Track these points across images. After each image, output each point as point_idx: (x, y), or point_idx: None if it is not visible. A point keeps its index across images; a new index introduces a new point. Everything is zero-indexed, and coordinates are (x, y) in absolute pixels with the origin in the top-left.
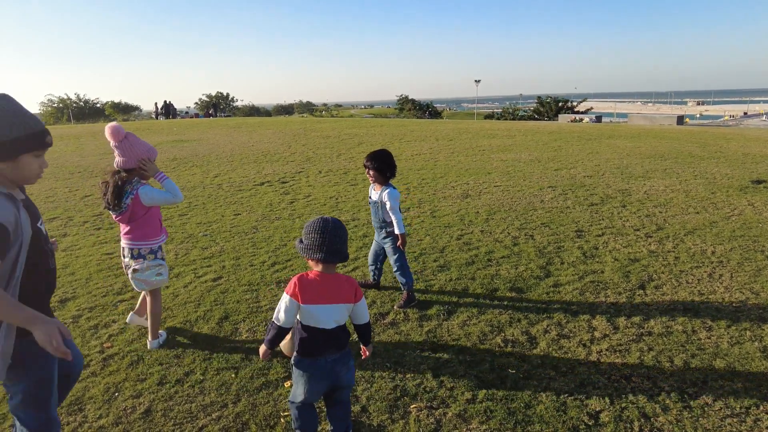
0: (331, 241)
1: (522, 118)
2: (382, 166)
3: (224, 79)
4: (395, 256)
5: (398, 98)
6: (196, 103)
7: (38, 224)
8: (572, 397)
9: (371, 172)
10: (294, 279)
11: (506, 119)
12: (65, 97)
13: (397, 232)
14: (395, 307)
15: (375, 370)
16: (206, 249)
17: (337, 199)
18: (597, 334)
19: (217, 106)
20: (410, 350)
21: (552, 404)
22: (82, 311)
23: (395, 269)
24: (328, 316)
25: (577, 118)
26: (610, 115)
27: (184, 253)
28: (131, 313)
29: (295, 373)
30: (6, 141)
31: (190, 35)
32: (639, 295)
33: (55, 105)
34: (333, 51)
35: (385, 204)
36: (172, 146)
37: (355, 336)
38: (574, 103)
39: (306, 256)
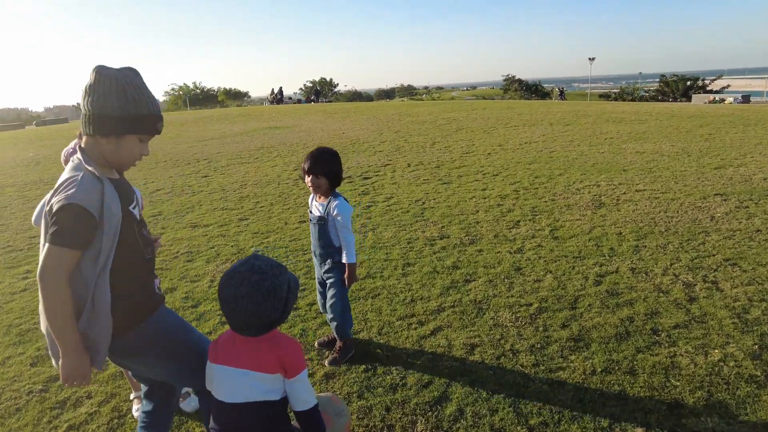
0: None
1: (642, 99)
2: (333, 170)
3: (330, 65)
4: (336, 294)
5: (504, 78)
6: (301, 89)
7: (131, 207)
8: None
9: (316, 179)
10: None
11: (624, 100)
12: (184, 85)
13: (345, 260)
14: (326, 363)
15: None
16: None
17: (423, 203)
18: None
19: (319, 92)
20: None
21: None
22: None
23: (330, 312)
24: (226, 382)
25: (717, 98)
26: (759, 93)
27: None
28: None
29: None
30: (116, 116)
31: (301, 23)
32: None
33: (176, 93)
34: (434, 33)
35: (335, 221)
36: (264, 133)
37: None
38: (707, 81)
39: None
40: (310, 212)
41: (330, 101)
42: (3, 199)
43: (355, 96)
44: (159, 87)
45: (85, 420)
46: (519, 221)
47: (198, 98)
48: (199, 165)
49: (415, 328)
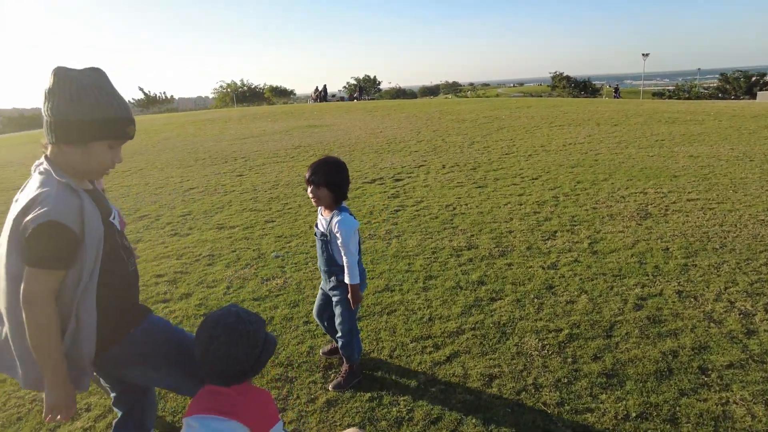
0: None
1: (700, 97)
2: (336, 180)
3: (374, 63)
4: (342, 313)
5: (551, 75)
6: (345, 86)
7: (111, 219)
8: None
9: (316, 190)
10: None
11: (680, 98)
12: (231, 82)
13: (347, 281)
14: (330, 387)
15: None
16: (267, 281)
17: (454, 209)
18: None
19: (362, 89)
20: None
21: None
22: None
23: (339, 333)
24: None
25: None
26: None
27: (238, 285)
28: None
29: None
30: (78, 121)
31: (348, 21)
32: None
33: (224, 90)
34: (480, 28)
35: (335, 237)
36: (302, 132)
37: None
38: None
39: None
40: (316, 226)
41: (373, 99)
42: None
43: (399, 93)
44: (208, 84)
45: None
46: (556, 232)
47: (245, 95)
48: (236, 163)
49: (430, 353)
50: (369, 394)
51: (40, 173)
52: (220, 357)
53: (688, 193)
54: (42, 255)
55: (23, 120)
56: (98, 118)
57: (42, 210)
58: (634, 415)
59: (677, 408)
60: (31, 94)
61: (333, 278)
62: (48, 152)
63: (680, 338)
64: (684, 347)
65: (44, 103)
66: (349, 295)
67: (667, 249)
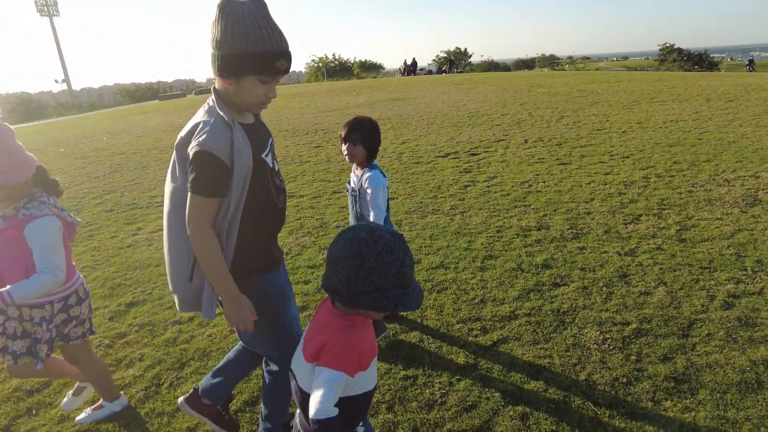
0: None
1: None
2: (371, 139)
3: (467, 35)
4: None
5: (660, 47)
6: (434, 60)
7: (263, 155)
8: None
9: (352, 147)
10: None
11: None
12: (323, 57)
13: None
14: None
15: None
16: (324, 250)
17: (530, 186)
18: None
19: (452, 62)
20: None
21: None
22: (143, 325)
23: None
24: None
25: None
26: None
27: (297, 252)
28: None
29: None
30: (229, 55)
31: None
32: None
33: (315, 64)
34: None
35: (365, 192)
36: (384, 105)
37: None
38: None
39: None
40: (348, 183)
41: (462, 72)
42: (145, 160)
43: (491, 66)
44: (302, 59)
45: (130, 383)
46: (640, 215)
47: (335, 69)
48: (316, 135)
49: (476, 336)
50: (404, 373)
51: (208, 104)
52: (329, 261)
53: None
54: (198, 182)
55: (138, 92)
56: (246, 52)
57: (198, 140)
58: (703, 430)
59: (762, 429)
60: (144, 68)
61: None
62: (216, 84)
63: None
64: None
65: (209, 35)
66: None
67: None
